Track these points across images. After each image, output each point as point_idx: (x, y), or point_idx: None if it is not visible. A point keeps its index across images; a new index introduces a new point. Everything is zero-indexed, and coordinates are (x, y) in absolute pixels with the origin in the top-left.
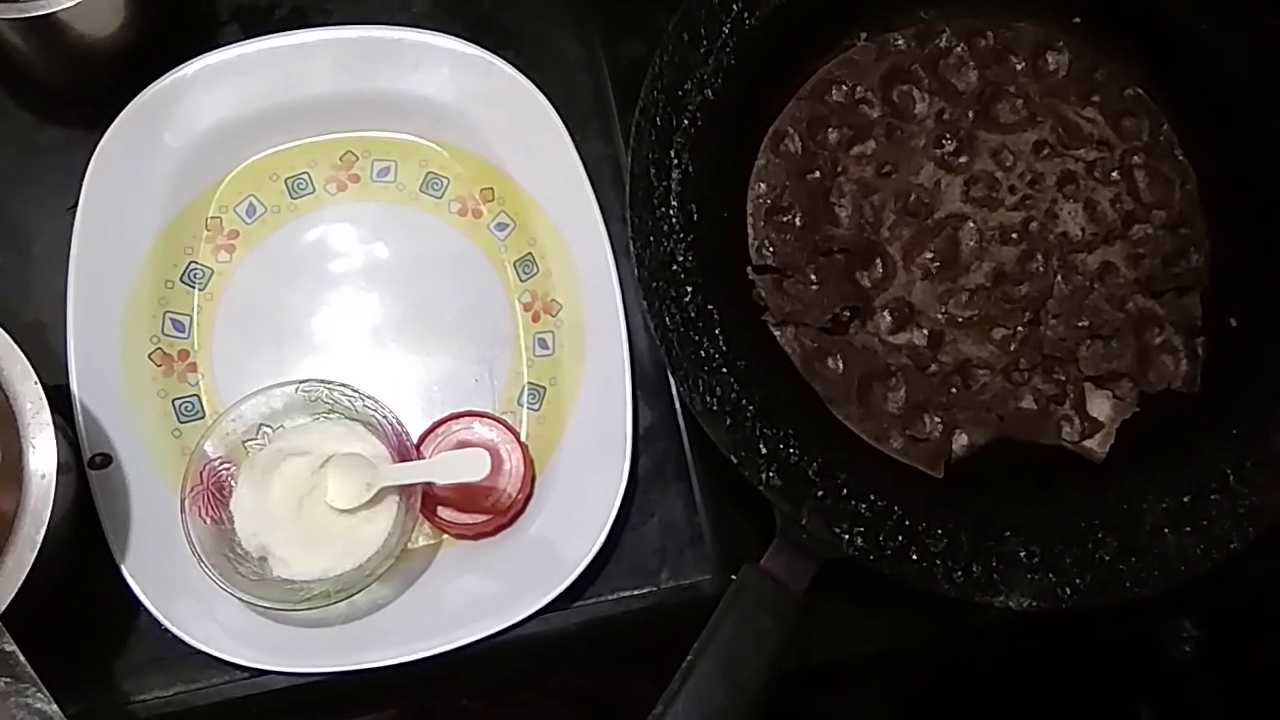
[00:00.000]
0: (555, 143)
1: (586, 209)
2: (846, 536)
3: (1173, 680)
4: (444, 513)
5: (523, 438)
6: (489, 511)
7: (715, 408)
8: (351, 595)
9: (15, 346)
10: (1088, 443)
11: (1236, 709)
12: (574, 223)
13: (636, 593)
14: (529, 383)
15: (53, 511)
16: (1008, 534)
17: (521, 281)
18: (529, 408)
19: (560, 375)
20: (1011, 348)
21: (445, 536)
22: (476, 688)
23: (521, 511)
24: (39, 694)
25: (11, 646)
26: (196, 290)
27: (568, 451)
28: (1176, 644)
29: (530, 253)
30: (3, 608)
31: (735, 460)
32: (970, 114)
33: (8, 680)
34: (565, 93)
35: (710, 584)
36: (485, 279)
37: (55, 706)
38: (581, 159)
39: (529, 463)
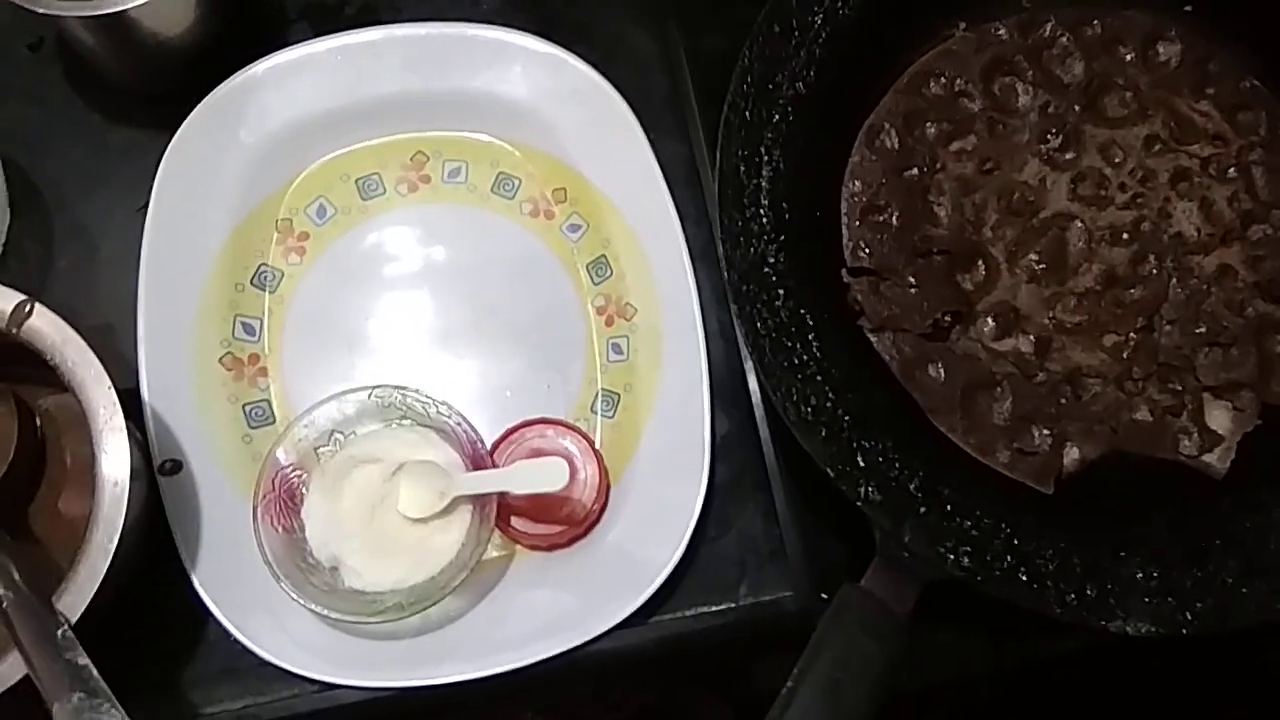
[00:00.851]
0: (630, 141)
1: (662, 209)
2: (952, 556)
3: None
4: (517, 523)
5: (597, 446)
6: (563, 522)
7: (810, 418)
8: (426, 608)
9: (89, 350)
10: (1207, 457)
11: None
12: (649, 224)
13: (715, 609)
14: (603, 389)
15: (125, 518)
16: (1123, 554)
17: (595, 284)
18: (603, 415)
19: (635, 382)
20: (1124, 355)
21: (518, 548)
22: (549, 702)
23: (597, 522)
24: (114, 710)
25: (85, 660)
26: (267, 293)
27: (644, 460)
28: None
29: (604, 255)
30: (77, 617)
31: (832, 474)
32: (1077, 107)
33: (82, 695)
34: (639, 90)
35: (793, 600)
36: (557, 282)
37: None
38: (656, 157)
39: (604, 472)
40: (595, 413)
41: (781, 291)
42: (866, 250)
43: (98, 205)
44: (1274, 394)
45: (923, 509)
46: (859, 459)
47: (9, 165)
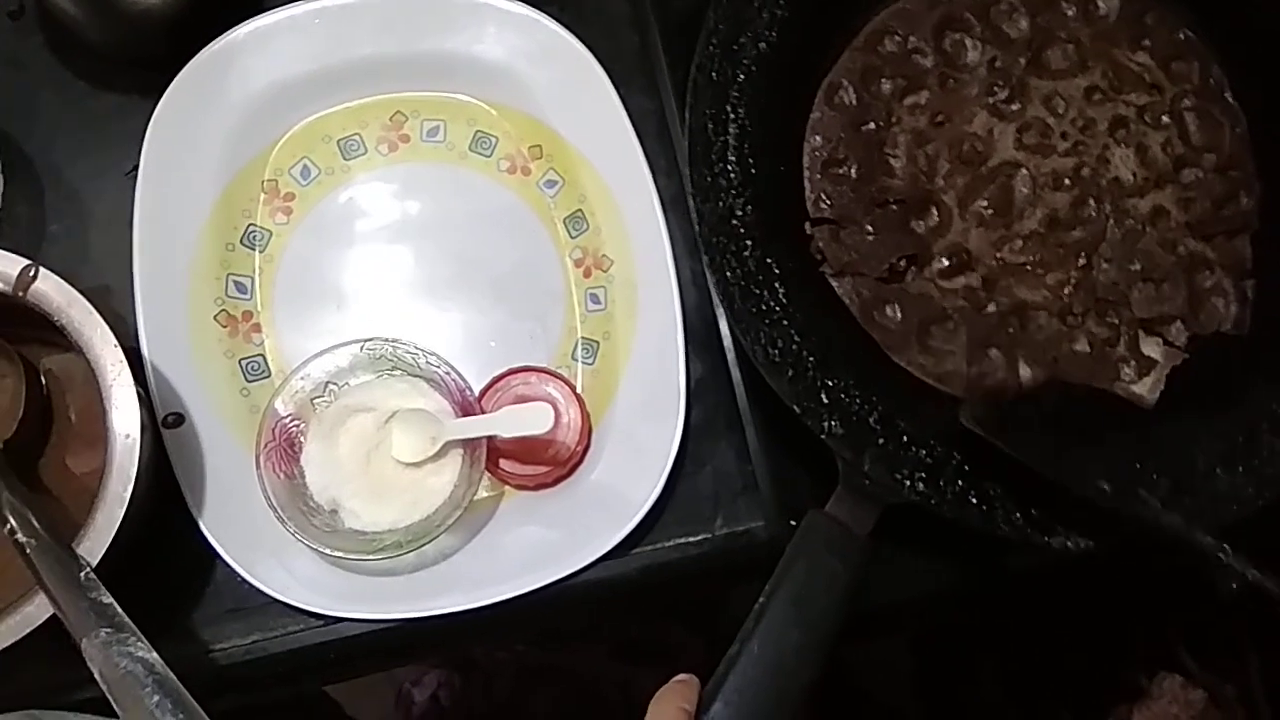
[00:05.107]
0: (601, 98)
1: (634, 164)
2: (908, 482)
3: (1208, 618)
4: (505, 465)
5: (578, 390)
6: (549, 463)
7: (778, 359)
8: (422, 545)
9: (93, 310)
10: (1137, 388)
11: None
12: (622, 178)
13: (692, 539)
14: (582, 338)
15: (137, 469)
16: None
17: (572, 238)
18: (583, 362)
19: (613, 330)
20: (1065, 292)
21: (507, 488)
22: (539, 631)
23: (580, 463)
24: (139, 643)
25: (109, 599)
26: (256, 252)
27: (622, 404)
28: (1225, 581)
29: (580, 209)
30: (96, 561)
31: (798, 410)
32: (1022, 61)
33: (109, 630)
34: (610, 48)
35: (763, 530)
36: (536, 235)
37: (155, 654)
38: (628, 113)
39: (585, 415)
40: (576, 360)
41: (749, 242)
42: (828, 201)
43: (87, 170)
44: (1202, 325)
45: (881, 440)
46: (823, 396)
47: None
